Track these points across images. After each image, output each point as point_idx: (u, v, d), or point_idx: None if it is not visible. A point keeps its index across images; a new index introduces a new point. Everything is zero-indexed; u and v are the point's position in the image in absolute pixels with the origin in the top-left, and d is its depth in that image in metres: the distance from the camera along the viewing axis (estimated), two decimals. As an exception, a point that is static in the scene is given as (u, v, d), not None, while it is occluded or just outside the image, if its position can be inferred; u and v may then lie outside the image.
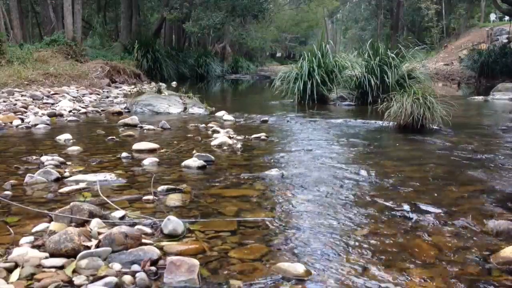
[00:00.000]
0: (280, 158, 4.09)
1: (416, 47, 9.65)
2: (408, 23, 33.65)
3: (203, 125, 6.02)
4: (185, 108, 7.84)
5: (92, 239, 2.01)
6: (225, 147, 4.61)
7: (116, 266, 1.81)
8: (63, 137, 4.83)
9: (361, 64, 9.22)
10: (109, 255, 1.88)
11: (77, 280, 1.70)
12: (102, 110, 7.75)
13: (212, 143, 4.72)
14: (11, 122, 5.88)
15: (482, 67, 18.22)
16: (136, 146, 4.34)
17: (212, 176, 3.41)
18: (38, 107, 7.35)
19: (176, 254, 1.92)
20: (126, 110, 7.74)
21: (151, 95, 8.64)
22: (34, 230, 2.19)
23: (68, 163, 3.66)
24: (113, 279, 1.68)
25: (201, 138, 5.06)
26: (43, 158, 3.69)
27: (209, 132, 5.51)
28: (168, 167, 3.66)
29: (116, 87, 12.30)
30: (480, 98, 11.22)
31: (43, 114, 6.60)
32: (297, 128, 6.16)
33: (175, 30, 23.21)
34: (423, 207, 2.73)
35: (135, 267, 1.81)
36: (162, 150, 4.31)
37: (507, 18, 24.10)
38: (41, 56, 12.04)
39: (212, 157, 3.89)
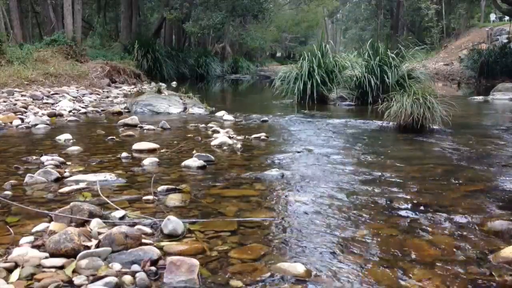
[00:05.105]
0: (280, 158, 4.09)
1: (416, 47, 9.64)
2: (408, 23, 33.62)
3: (203, 125, 6.02)
4: (185, 108, 7.85)
5: (92, 239, 2.01)
6: (225, 147, 4.61)
7: (116, 266, 1.80)
8: (63, 137, 4.83)
9: (361, 64, 9.23)
10: (109, 255, 1.88)
11: (77, 280, 1.70)
12: (102, 110, 7.75)
13: (212, 143, 4.72)
14: (11, 122, 5.89)
15: (482, 67, 18.19)
16: (136, 146, 4.34)
17: (212, 176, 3.41)
18: (38, 107, 7.35)
19: (176, 254, 1.92)
20: (126, 110, 7.74)
21: (151, 95, 8.65)
22: (34, 230, 2.19)
23: (68, 163, 3.67)
24: (113, 279, 1.68)
25: (201, 138, 5.06)
26: (43, 158, 3.69)
27: (209, 132, 5.51)
28: (168, 167, 3.66)
29: (116, 87, 12.29)
30: (480, 98, 11.22)
31: (43, 114, 6.60)
32: (297, 128, 6.16)
33: (175, 30, 23.20)
34: (423, 207, 2.73)
35: (135, 267, 1.81)
36: (162, 150, 4.31)
37: (507, 18, 24.06)
38: (41, 56, 12.02)
39: (212, 157, 3.89)
